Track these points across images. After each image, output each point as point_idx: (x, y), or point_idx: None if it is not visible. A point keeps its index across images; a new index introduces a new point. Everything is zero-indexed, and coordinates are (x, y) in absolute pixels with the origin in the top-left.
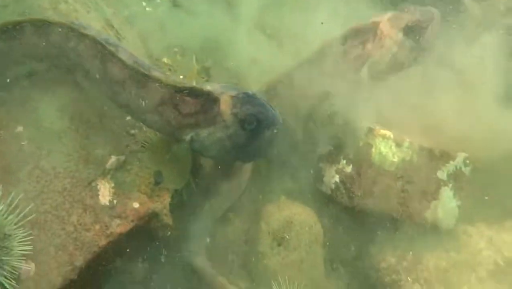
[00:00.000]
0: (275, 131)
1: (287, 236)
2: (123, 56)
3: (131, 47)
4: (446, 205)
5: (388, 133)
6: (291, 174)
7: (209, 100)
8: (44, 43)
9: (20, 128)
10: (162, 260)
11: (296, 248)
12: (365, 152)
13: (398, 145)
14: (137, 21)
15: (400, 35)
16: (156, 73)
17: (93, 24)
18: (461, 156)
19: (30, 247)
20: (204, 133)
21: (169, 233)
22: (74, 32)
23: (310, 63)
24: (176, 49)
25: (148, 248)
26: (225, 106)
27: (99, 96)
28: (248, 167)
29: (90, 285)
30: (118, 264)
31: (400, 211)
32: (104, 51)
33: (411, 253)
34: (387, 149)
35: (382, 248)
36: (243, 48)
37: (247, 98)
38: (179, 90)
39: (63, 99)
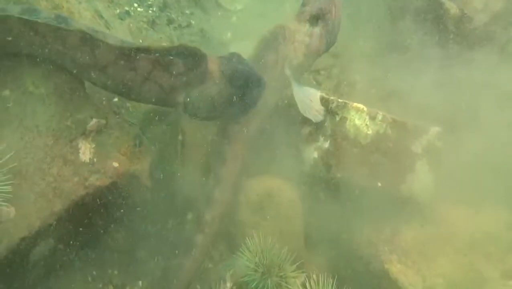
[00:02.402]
0: (261, 89)
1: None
2: (110, 40)
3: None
4: (422, 178)
5: (361, 106)
6: (274, 156)
7: (197, 57)
8: (31, 33)
9: (6, 92)
10: (139, 220)
11: (276, 219)
12: (341, 125)
13: (372, 118)
14: (127, 18)
15: (307, 26)
16: (143, 44)
17: (83, 14)
18: (434, 130)
19: (9, 189)
20: (195, 92)
21: (148, 195)
22: (61, 28)
23: None
24: (165, 44)
25: (126, 208)
26: (213, 64)
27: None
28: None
29: (68, 231)
30: (97, 219)
31: (376, 183)
32: (92, 40)
33: (388, 226)
34: (361, 121)
35: (361, 222)
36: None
37: (234, 58)
38: (169, 52)
39: (48, 67)
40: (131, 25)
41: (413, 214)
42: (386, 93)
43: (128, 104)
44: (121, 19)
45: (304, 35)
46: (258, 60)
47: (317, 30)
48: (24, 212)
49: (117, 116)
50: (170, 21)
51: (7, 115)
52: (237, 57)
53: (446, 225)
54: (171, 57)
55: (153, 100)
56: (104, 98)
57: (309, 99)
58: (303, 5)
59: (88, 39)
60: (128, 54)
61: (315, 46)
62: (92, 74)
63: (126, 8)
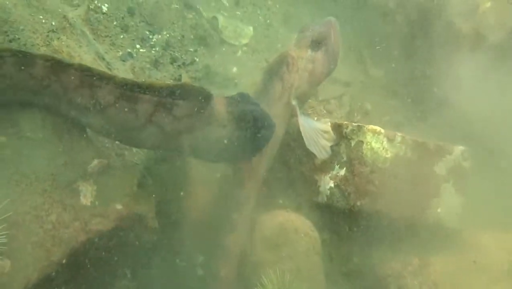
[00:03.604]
0: (270, 131)
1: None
2: (110, 77)
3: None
4: (448, 203)
5: (378, 128)
6: (287, 189)
7: (203, 98)
8: (25, 76)
9: (2, 138)
10: (146, 264)
11: (292, 257)
12: (357, 150)
13: (390, 140)
14: (130, 59)
15: (309, 52)
16: (145, 82)
17: (84, 56)
18: (458, 149)
19: (4, 240)
20: (200, 136)
21: (155, 238)
22: (58, 63)
23: None
24: (169, 82)
25: (132, 252)
26: (220, 105)
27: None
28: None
29: (69, 283)
30: (100, 265)
31: (398, 211)
32: (92, 80)
33: (416, 257)
34: (379, 144)
35: (385, 254)
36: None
37: (241, 98)
38: (172, 90)
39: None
40: (134, 66)
41: (442, 242)
42: (400, 120)
43: None
44: (123, 61)
45: (307, 62)
46: (263, 91)
47: (319, 55)
48: (20, 264)
49: (120, 158)
50: (173, 60)
51: (2, 162)
52: (245, 97)
53: (479, 252)
54: (175, 98)
55: (155, 145)
56: (106, 140)
57: (315, 134)
58: (302, 31)
59: (88, 79)
60: (129, 95)
61: (318, 72)
62: (90, 117)
63: (129, 50)
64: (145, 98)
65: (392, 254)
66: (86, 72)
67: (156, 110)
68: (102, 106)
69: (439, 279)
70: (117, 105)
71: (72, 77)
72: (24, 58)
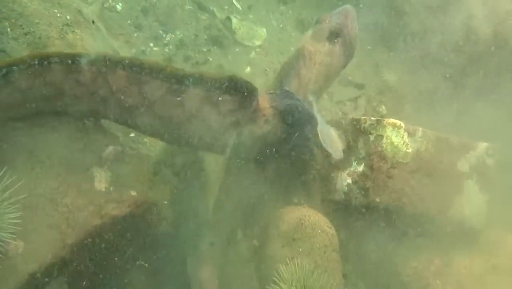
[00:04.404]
0: (313, 126)
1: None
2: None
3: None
4: (472, 200)
5: (398, 122)
6: (301, 189)
7: (249, 92)
8: (72, 83)
9: (18, 124)
10: (159, 251)
11: (309, 253)
12: (376, 144)
13: (411, 134)
14: (143, 57)
15: (327, 45)
16: (194, 73)
17: (99, 50)
18: (482, 146)
19: (18, 221)
20: (245, 132)
21: (167, 228)
22: (105, 65)
23: None
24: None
25: (146, 239)
26: (264, 101)
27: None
28: None
29: (82, 267)
30: (114, 250)
31: (419, 208)
32: (139, 74)
33: (438, 256)
34: (399, 139)
35: (406, 254)
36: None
37: (285, 93)
38: (220, 82)
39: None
40: None
41: (466, 242)
42: (417, 124)
43: (146, 139)
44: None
45: (324, 55)
46: (280, 88)
47: (337, 48)
48: (34, 245)
49: (134, 152)
50: (186, 58)
51: (17, 146)
52: (288, 93)
53: (505, 253)
54: (221, 92)
55: (199, 141)
56: (120, 133)
57: (330, 133)
58: (319, 21)
59: (135, 76)
60: (177, 88)
61: (336, 66)
62: (138, 116)
63: (142, 48)
64: (192, 92)
65: (413, 253)
66: (134, 68)
67: (203, 104)
68: (150, 103)
69: (463, 279)
70: (164, 100)
71: (120, 77)
72: (72, 64)
